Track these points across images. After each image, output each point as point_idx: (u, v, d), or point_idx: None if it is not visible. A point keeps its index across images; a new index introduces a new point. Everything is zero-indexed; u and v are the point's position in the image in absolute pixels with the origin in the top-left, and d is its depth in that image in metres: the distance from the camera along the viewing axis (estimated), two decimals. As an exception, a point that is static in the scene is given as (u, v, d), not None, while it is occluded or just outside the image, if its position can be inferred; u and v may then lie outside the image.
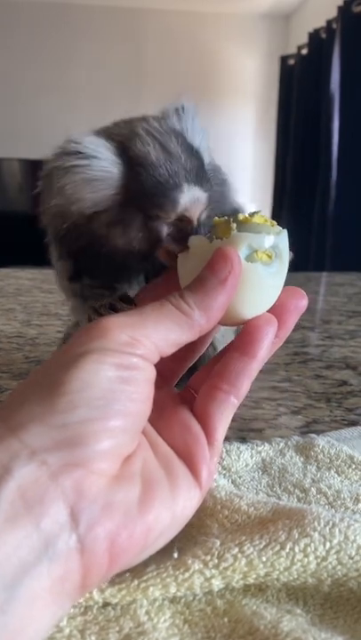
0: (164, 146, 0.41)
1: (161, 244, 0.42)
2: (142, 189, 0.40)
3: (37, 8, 4.78)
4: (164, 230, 0.41)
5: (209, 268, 0.34)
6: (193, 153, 0.42)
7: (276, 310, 0.37)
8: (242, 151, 5.35)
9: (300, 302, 0.38)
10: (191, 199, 0.41)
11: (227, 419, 0.36)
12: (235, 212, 0.47)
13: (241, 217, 0.37)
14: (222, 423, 0.35)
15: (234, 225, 0.37)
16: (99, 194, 0.40)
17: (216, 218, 0.38)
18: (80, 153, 0.40)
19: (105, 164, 0.40)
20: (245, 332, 0.35)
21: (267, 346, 0.35)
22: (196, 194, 0.41)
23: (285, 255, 0.37)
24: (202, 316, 0.33)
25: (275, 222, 0.38)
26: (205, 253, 0.35)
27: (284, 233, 0.37)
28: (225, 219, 0.38)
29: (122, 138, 0.42)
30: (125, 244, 0.42)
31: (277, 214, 4.91)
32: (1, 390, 0.68)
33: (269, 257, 0.36)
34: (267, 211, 5.22)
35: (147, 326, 0.32)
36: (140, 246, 0.42)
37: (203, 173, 0.42)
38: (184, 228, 0.41)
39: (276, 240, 0.36)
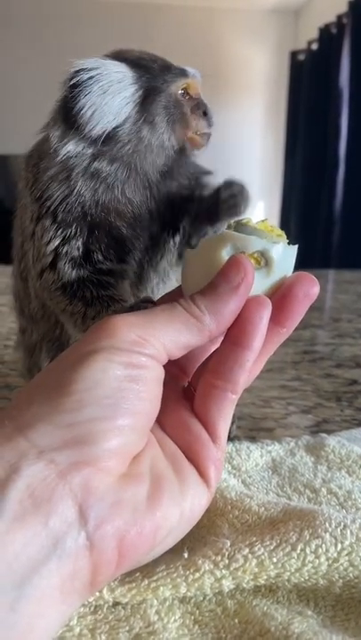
0: (149, 52, 0.48)
1: (188, 124, 0.47)
2: (154, 73, 0.46)
3: (46, 2, 4.78)
4: (185, 107, 0.47)
5: (222, 274, 0.33)
6: None
7: (285, 298, 0.35)
8: (251, 147, 5.32)
9: (311, 289, 0.35)
10: (193, 71, 0.48)
11: (227, 415, 0.35)
12: (197, 178, 0.51)
13: (244, 220, 0.37)
14: (223, 420, 0.34)
15: (233, 224, 0.37)
16: (119, 98, 0.44)
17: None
18: (88, 69, 0.43)
19: (114, 67, 0.44)
20: (237, 322, 0.33)
21: (260, 333, 0.33)
22: (194, 69, 0.48)
23: (279, 267, 0.35)
24: (212, 320, 0.33)
25: (282, 233, 0.37)
26: (209, 252, 0.35)
27: (283, 245, 0.35)
28: (233, 221, 0.38)
29: (114, 54, 0.47)
30: (157, 140, 0.46)
31: (286, 210, 4.89)
32: (10, 388, 0.68)
33: (258, 262, 0.35)
34: (275, 206, 5.19)
35: (156, 327, 0.32)
36: (170, 136, 0.46)
37: None
38: (198, 103, 0.47)
39: (267, 247, 0.35)
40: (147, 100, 0.45)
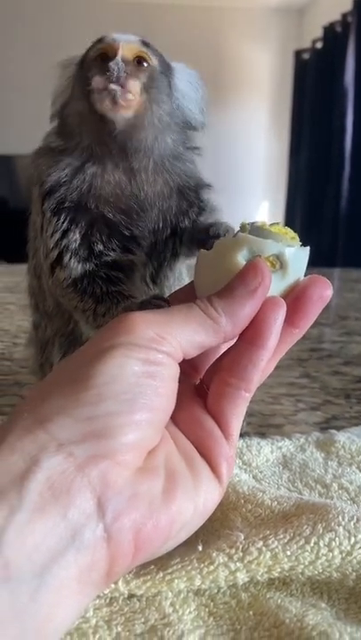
0: None
1: (89, 84, 0.46)
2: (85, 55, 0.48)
3: (49, 2, 4.79)
4: (92, 71, 0.46)
5: (240, 278, 0.34)
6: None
7: (300, 300, 0.36)
8: (255, 146, 5.32)
9: (325, 292, 0.36)
10: (117, 36, 0.46)
11: (240, 413, 0.35)
12: (198, 184, 0.51)
13: (259, 223, 0.37)
14: (236, 417, 0.35)
15: (247, 226, 0.37)
16: (59, 86, 0.49)
17: (242, 222, 0.38)
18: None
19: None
20: (252, 322, 0.34)
21: (275, 333, 0.34)
22: (121, 35, 0.46)
23: (293, 269, 0.36)
24: (228, 322, 0.33)
25: (295, 236, 0.37)
26: (225, 255, 0.36)
27: (296, 248, 0.36)
28: (248, 223, 0.38)
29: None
30: (77, 109, 0.48)
31: (291, 209, 4.89)
32: (20, 385, 0.69)
33: (273, 265, 0.35)
34: (280, 206, 5.19)
35: (173, 325, 0.32)
36: (80, 100, 0.47)
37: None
38: (107, 62, 0.45)
39: (283, 250, 0.35)
40: (79, 74, 0.48)
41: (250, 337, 0.34)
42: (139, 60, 0.46)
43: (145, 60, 0.46)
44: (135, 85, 0.45)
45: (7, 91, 4.71)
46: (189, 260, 0.53)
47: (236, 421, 0.35)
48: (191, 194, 0.51)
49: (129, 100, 0.44)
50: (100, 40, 0.47)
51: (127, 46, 0.45)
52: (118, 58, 0.44)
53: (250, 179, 5.28)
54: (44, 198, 0.47)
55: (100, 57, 0.46)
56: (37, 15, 4.82)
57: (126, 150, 0.47)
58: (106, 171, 0.47)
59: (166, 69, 0.48)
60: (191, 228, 0.50)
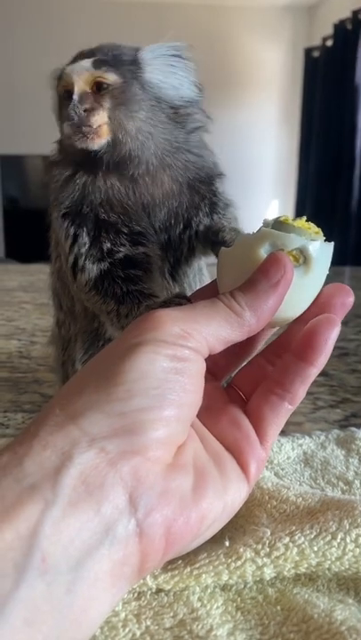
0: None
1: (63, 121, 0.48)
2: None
3: (59, 2, 4.81)
4: (64, 104, 0.48)
5: (262, 271, 0.34)
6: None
7: (322, 308, 0.36)
8: (265, 144, 5.30)
9: (347, 299, 0.36)
10: (71, 68, 0.46)
11: (280, 423, 0.36)
12: (208, 174, 0.51)
13: (282, 218, 0.37)
14: (275, 426, 0.36)
15: (270, 221, 0.37)
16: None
17: (265, 218, 0.38)
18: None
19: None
20: (306, 337, 0.34)
21: (328, 352, 0.34)
22: (75, 65, 0.46)
23: (317, 263, 0.35)
24: (252, 316, 0.33)
25: (319, 230, 0.37)
26: (247, 250, 0.36)
27: (320, 242, 0.36)
28: (271, 219, 0.38)
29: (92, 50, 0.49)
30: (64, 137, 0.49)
31: (300, 208, 4.87)
32: (39, 383, 0.69)
33: (296, 259, 0.35)
34: (290, 204, 5.17)
35: (198, 321, 0.32)
36: (63, 132, 0.48)
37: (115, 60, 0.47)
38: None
39: (306, 244, 0.35)
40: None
41: (301, 352, 0.35)
42: (98, 86, 0.46)
43: (103, 83, 0.46)
44: (98, 117, 0.46)
45: (18, 91, 4.74)
46: (207, 259, 0.53)
47: (275, 430, 0.36)
48: (203, 187, 0.50)
49: (97, 131, 0.46)
50: (59, 77, 0.49)
51: (82, 77, 0.46)
52: (75, 97, 0.46)
53: (260, 177, 5.26)
54: (54, 207, 0.50)
55: (65, 94, 0.48)
56: (46, 15, 4.84)
57: (118, 164, 0.48)
58: (97, 178, 0.48)
59: (132, 74, 0.47)
60: (204, 229, 0.50)
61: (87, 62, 0.46)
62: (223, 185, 0.52)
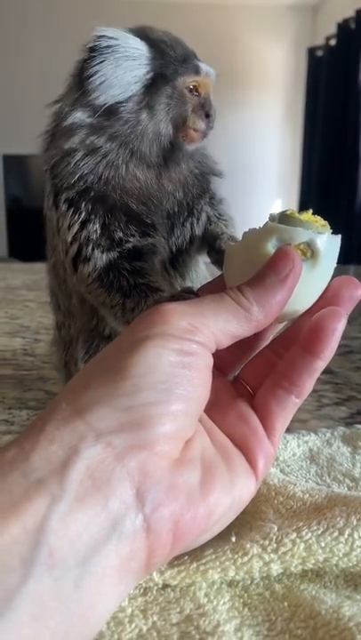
0: (173, 35, 0.49)
1: (186, 121, 0.47)
2: (169, 60, 0.46)
3: (62, 2, 4.82)
4: (188, 104, 0.47)
5: (270, 265, 0.34)
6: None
7: (330, 301, 0.36)
8: (268, 144, 5.30)
9: (356, 292, 0.36)
10: (208, 69, 0.48)
11: (287, 416, 0.36)
12: (213, 169, 0.52)
13: (288, 212, 0.37)
14: (282, 420, 0.35)
15: (276, 216, 0.37)
16: (130, 74, 0.45)
17: (271, 213, 0.38)
18: (108, 37, 0.44)
19: (134, 42, 0.45)
20: (313, 329, 0.34)
21: (334, 344, 0.34)
22: (209, 67, 0.48)
23: (324, 257, 0.35)
24: (260, 311, 0.33)
25: (326, 223, 0.37)
26: (254, 244, 0.35)
27: (327, 235, 0.35)
28: (277, 213, 0.38)
29: (139, 30, 0.48)
30: (153, 127, 0.46)
31: (304, 206, 4.85)
32: (44, 380, 0.69)
33: (304, 253, 0.35)
34: (293, 203, 5.16)
35: (205, 315, 0.32)
36: (167, 126, 0.47)
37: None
38: (204, 103, 0.47)
39: (313, 238, 0.35)
40: (154, 85, 0.46)
41: (308, 345, 0.34)
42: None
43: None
44: None
45: (21, 90, 4.74)
46: (204, 259, 0.54)
47: (282, 424, 0.35)
48: (204, 181, 0.51)
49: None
50: (196, 69, 0.48)
51: (212, 82, 0.49)
52: (211, 99, 0.48)
53: (263, 176, 5.26)
54: (59, 192, 0.47)
55: (194, 89, 0.48)
56: (49, 15, 4.85)
57: (170, 161, 0.48)
58: (120, 166, 0.47)
59: None
60: (202, 231, 0.51)
61: (212, 70, 0.49)
62: (219, 183, 0.53)
